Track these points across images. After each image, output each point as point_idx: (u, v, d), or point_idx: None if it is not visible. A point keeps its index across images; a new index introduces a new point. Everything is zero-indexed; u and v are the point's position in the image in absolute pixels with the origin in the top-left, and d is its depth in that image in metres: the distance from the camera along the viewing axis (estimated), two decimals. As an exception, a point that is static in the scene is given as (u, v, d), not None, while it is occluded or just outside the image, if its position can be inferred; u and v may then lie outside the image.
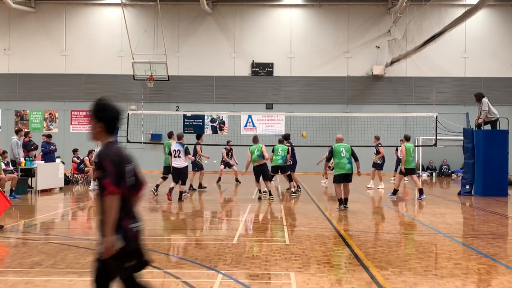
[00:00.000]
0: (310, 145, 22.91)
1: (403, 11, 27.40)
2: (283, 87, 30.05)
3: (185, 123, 30.09)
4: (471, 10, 19.86)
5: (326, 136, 24.77)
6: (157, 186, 15.40)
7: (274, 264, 6.59)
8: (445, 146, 25.29)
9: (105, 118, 4.11)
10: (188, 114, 28.94)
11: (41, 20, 30.62)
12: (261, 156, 14.80)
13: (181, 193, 14.32)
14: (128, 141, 19.03)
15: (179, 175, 14.22)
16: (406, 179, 23.87)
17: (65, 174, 18.50)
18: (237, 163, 20.55)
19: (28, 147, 17.27)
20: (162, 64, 27.13)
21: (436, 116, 19.00)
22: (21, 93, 30.49)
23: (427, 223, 10.44)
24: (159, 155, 29.78)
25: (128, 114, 19.77)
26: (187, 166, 14.51)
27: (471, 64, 29.63)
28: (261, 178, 14.84)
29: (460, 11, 22.39)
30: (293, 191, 15.89)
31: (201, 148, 18.16)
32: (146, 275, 6.01)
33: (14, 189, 14.60)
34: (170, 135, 16.35)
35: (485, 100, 16.44)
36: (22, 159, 16.29)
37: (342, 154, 12.49)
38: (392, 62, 28.43)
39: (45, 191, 16.45)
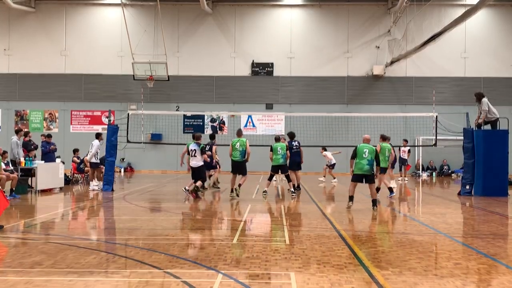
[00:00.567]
0: (310, 145, 22.86)
1: (403, 11, 27.40)
2: (283, 87, 30.06)
3: (185, 123, 30.11)
4: (471, 10, 19.86)
5: (326, 136, 24.80)
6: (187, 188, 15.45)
7: (274, 264, 6.59)
8: (445, 146, 25.30)
9: None
10: (188, 114, 28.95)
11: (41, 20, 30.63)
12: (244, 153, 14.79)
13: (196, 189, 14.49)
14: (128, 141, 18.97)
15: (195, 174, 14.66)
16: (406, 179, 23.91)
17: (65, 174, 18.50)
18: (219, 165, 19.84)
19: (28, 147, 17.26)
20: (162, 64, 27.12)
21: (436, 116, 18.98)
22: (21, 93, 30.50)
23: (427, 223, 10.44)
24: (159, 155, 29.92)
25: (128, 114, 19.73)
26: (203, 165, 14.80)
27: (471, 64, 29.65)
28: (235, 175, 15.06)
29: (460, 11, 22.43)
30: (293, 190, 15.87)
31: (216, 148, 18.11)
32: (146, 275, 6.02)
33: (14, 189, 14.60)
34: (194, 137, 16.15)
35: (485, 100, 16.43)
36: (22, 159, 16.29)
37: (364, 155, 12.48)
38: (392, 62, 28.44)
39: (45, 191, 16.44)
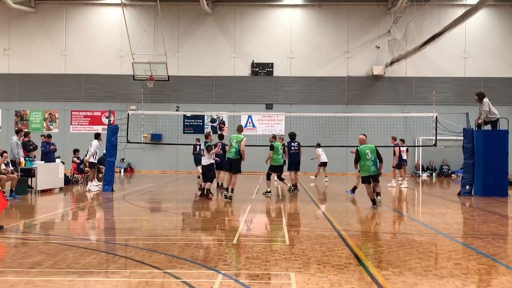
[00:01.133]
0: (310, 146, 22.88)
1: (403, 11, 27.41)
2: (283, 87, 30.06)
3: (185, 123, 30.11)
4: (471, 10, 19.86)
5: (326, 136, 24.80)
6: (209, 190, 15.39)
7: (274, 264, 6.60)
8: (445, 146, 25.28)
9: None
10: (188, 114, 28.95)
11: (41, 20, 30.63)
12: (238, 151, 14.27)
13: (207, 190, 14.48)
14: (128, 141, 18.97)
15: (204, 172, 14.75)
16: (406, 179, 23.85)
17: (65, 174, 18.49)
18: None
19: (27, 147, 17.26)
20: (162, 64, 27.12)
21: (436, 116, 18.98)
22: (21, 93, 30.50)
23: (427, 223, 10.44)
24: (159, 155, 29.92)
25: (128, 114, 19.73)
26: (212, 163, 14.79)
27: (471, 64, 29.65)
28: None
29: (460, 11, 22.42)
30: (291, 186, 15.92)
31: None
32: (146, 275, 6.02)
33: (14, 189, 14.60)
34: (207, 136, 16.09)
35: (486, 100, 16.43)
36: (22, 159, 16.29)
37: (367, 156, 12.64)
38: (392, 62, 28.44)
39: (45, 191, 16.45)
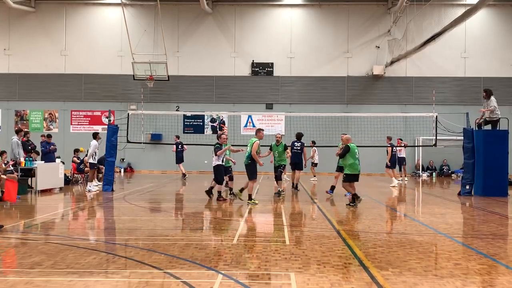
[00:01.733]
0: (310, 146, 22.87)
1: (403, 11, 27.40)
2: (283, 87, 30.05)
3: (185, 123, 30.11)
4: (471, 10, 19.85)
5: (326, 136, 24.78)
6: (230, 189, 15.38)
7: (274, 264, 6.60)
8: (445, 146, 25.28)
9: None
10: (188, 114, 28.95)
11: (41, 20, 30.62)
12: (249, 154, 13.71)
13: (219, 193, 14.34)
14: (128, 141, 18.96)
15: (214, 173, 14.62)
16: (406, 179, 23.89)
17: (65, 174, 18.49)
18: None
19: (25, 147, 17.25)
20: (162, 64, 27.12)
21: (436, 116, 18.98)
22: (21, 93, 30.49)
23: (427, 223, 10.44)
24: (159, 155, 29.90)
25: (128, 114, 19.73)
26: (219, 164, 14.42)
27: (471, 64, 29.64)
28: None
29: (460, 11, 22.39)
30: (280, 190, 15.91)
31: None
32: (146, 275, 6.02)
33: (14, 189, 14.57)
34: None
35: (493, 98, 16.52)
36: (22, 159, 16.28)
37: (356, 155, 12.87)
38: (392, 62, 28.43)
39: (45, 191, 16.44)
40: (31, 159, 16.49)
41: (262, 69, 30.05)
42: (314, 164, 24.03)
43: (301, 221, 10.87)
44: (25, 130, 20.72)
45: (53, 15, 30.64)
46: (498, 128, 16.69)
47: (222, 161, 14.46)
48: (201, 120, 30.21)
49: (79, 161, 20.42)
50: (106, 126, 18.31)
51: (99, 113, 30.13)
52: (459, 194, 16.73)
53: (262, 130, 14.29)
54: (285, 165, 17.05)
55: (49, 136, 19.89)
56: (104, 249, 7.62)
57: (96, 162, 17.86)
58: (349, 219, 11.03)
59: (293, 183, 17.60)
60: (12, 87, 30.54)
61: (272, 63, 30.02)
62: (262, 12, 30.45)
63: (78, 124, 30.50)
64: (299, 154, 17.48)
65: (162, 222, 10.47)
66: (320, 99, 29.56)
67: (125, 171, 29.76)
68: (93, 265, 6.46)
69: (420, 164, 29.16)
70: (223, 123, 30.15)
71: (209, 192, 14.84)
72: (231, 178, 15.36)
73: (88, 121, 30.46)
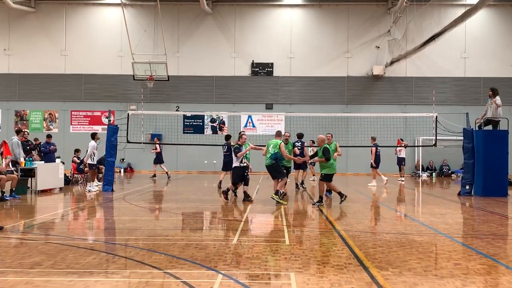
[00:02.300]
0: (310, 146, 22.85)
1: (403, 11, 27.41)
2: (283, 87, 30.06)
3: (185, 123, 30.11)
4: (471, 10, 19.86)
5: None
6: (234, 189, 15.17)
7: (274, 264, 6.60)
8: (445, 146, 25.29)
9: None
10: (188, 114, 28.96)
11: (41, 20, 30.63)
12: (275, 156, 13.61)
13: (245, 193, 14.19)
14: (128, 141, 18.95)
15: (232, 174, 14.69)
16: (403, 179, 23.87)
17: (65, 175, 18.48)
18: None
19: (23, 146, 17.24)
20: (162, 64, 27.13)
21: (436, 116, 18.98)
22: (21, 93, 30.50)
23: (427, 223, 10.44)
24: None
25: (128, 114, 19.72)
26: (236, 166, 14.19)
27: (471, 64, 29.64)
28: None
29: (460, 11, 22.41)
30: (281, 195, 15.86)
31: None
32: (146, 275, 6.02)
33: (14, 189, 14.58)
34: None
35: (499, 97, 16.58)
36: (22, 159, 16.27)
37: (333, 156, 13.10)
38: (392, 62, 28.44)
39: (45, 191, 16.44)
40: (31, 159, 16.48)
41: (262, 69, 30.05)
42: (313, 164, 24.00)
43: (301, 221, 10.87)
44: (25, 130, 20.71)
45: (53, 15, 30.65)
46: (498, 128, 16.70)
47: (241, 162, 14.12)
48: (201, 120, 30.21)
49: (79, 161, 20.42)
50: (106, 126, 18.30)
51: (99, 113, 30.14)
52: (459, 194, 16.73)
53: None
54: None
55: (49, 136, 19.87)
56: (104, 249, 7.61)
57: (95, 162, 17.79)
58: (349, 219, 11.03)
59: (296, 183, 17.80)
60: (12, 87, 30.55)
61: (272, 63, 30.03)
62: (262, 12, 30.45)
63: (78, 124, 30.51)
64: (301, 154, 17.62)
65: (162, 222, 10.47)
66: (320, 99, 29.57)
67: (125, 171, 29.76)
68: (93, 265, 6.45)
69: (420, 164, 29.17)
70: (223, 123, 30.16)
71: (226, 192, 14.36)
72: (246, 183, 14.46)
73: (88, 121, 30.46)
